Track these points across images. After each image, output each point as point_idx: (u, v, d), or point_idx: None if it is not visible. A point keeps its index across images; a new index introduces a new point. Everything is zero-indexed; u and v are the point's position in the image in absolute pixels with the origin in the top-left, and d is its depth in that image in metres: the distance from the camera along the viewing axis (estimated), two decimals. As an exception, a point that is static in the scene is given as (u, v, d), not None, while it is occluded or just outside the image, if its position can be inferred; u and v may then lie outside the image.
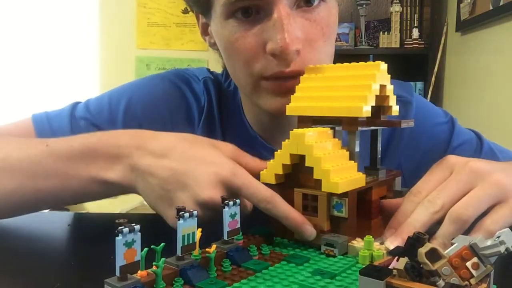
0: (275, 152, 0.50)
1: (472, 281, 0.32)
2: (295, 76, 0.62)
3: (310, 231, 0.47)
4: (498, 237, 0.32)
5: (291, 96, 0.56)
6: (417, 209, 0.47)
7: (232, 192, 0.50)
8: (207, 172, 0.50)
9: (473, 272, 0.32)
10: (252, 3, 0.61)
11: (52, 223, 0.71)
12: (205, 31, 0.74)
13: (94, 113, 0.75)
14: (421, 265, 0.32)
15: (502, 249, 0.31)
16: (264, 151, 0.75)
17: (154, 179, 0.52)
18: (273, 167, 0.50)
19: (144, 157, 0.54)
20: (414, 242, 0.32)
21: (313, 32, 0.63)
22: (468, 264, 0.32)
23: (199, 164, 0.52)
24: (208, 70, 0.85)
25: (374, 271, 0.33)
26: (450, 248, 0.33)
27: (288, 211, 0.48)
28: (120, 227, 0.34)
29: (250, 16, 0.62)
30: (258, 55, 0.62)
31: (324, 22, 0.63)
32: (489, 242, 0.32)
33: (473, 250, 0.32)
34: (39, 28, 2.74)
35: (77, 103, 0.78)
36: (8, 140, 0.63)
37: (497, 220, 0.46)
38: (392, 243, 0.45)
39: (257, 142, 0.77)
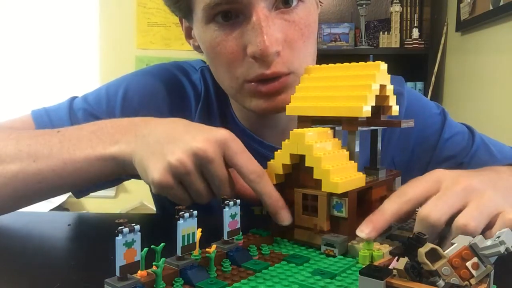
0: (275, 152, 0.50)
1: (472, 281, 0.32)
2: (278, 78, 0.63)
3: (285, 217, 0.49)
4: (498, 237, 0.32)
5: (291, 96, 0.56)
6: (388, 199, 0.47)
7: (224, 156, 0.51)
8: (207, 132, 0.52)
9: (473, 272, 0.32)
10: (231, 6, 0.61)
11: (52, 223, 0.71)
12: (189, 35, 0.75)
13: (93, 104, 0.77)
14: (421, 265, 0.32)
15: (502, 249, 0.31)
16: (253, 142, 0.76)
17: (152, 137, 0.54)
18: (273, 167, 0.50)
19: (151, 125, 0.57)
20: (414, 242, 0.32)
21: (292, 33, 0.63)
22: (468, 264, 0.32)
23: (201, 128, 0.54)
24: (204, 61, 0.85)
25: (374, 271, 0.33)
26: (450, 248, 0.33)
27: (272, 192, 0.49)
28: (120, 227, 0.34)
29: (230, 20, 0.62)
30: (240, 58, 0.63)
31: (303, 22, 0.64)
32: (489, 242, 0.32)
33: (473, 250, 0.32)
34: (39, 28, 2.73)
35: (74, 97, 0.79)
36: (23, 132, 0.65)
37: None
38: (363, 231, 0.45)
39: (246, 134, 0.77)
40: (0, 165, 0.61)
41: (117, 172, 0.59)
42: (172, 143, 0.52)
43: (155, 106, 0.76)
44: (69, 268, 0.51)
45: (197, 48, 0.73)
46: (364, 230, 0.45)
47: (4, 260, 0.53)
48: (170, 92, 0.78)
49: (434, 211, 0.44)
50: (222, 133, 0.52)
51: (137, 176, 0.58)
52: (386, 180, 0.54)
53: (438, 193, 0.46)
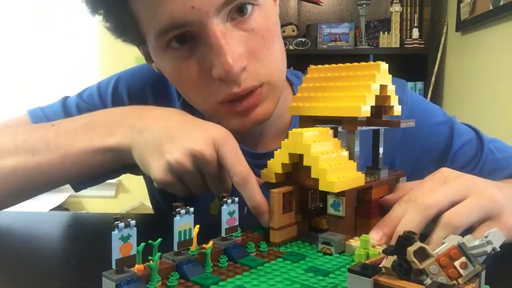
0: (275, 152, 0.51)
1: (460, 280, 0.32)
2: (251, 93, 0.61)
3: (265, 220, 0.49)
4: (486, 236, 0.32)
5: (293, 96, 0.56)
6: (407, 212, 0.47)
7: (217, 155, 0.52)
8: (201, 130, 0.54)
9: (461, 271, 0.32)
10: (184, 30, 0.58)
11: (52, 223, 0.71)
12: (149, 59, 0.71)
13: (86, 100, 0.80)
14: (411, 264, 0.32)
15: (489, 249, 0.31)
16: None
17: (150, 133, 0.55)
18: (273, 166, 0.51)
19: (146, 119, 0.58)
20: (404, 240, 0.32)
21: (254, 42, 0.60)
22: (456, 263, 0.32)
23: (196, 126, 0.55)
24: None
25: (363, 268, 0.33)
26: (439, 248, 0.34)
27: (256, 194, 0.49)
28: (116, 222, 0.35)
29: (186, 43, 0.59)
30: (206, 81, 0.60)
31: (263, 28, 0.60)
32: (477, 242, 0.32)
33: (461, 249, 0.33)
34: (39, 28, 2.74)
35: (67, 97, 0.82)
36: (17, 127, 0.66)
37: None
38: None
39: None
40: None
41: (117, 163, 0.60)
42: (169, 142, 0.53)
43: (140, 95, 0.79)
44: (69, 268, 0.51)
45: (161, 72, 0.70)
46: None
47: (4, 260, 0.53)
48: (155, 87, 0.80)
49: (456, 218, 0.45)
50: (216, 132, 0.53)
51: (137, 168, 0.59)
52: (387, 180, 0.54)
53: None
